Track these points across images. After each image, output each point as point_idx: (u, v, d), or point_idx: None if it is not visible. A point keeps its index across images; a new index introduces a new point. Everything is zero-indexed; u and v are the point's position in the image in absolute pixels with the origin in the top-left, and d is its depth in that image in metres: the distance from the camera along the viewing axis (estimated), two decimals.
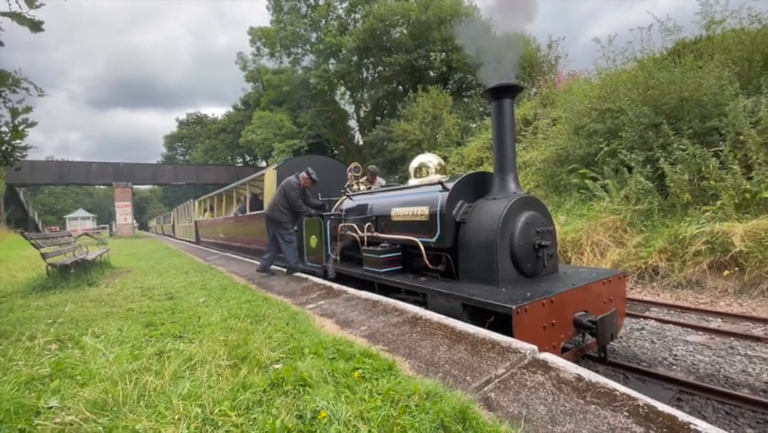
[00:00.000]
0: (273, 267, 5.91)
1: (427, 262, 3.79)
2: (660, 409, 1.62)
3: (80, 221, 41.37)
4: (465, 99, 22.10)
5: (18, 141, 3.35)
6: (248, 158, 41.78)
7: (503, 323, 2.71)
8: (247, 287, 4.79)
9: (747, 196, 5.71)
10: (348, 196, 5.57)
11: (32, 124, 3.34)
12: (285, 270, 5.77)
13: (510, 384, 1.91)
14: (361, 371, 2.04)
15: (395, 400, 1.72)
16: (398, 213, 4.26)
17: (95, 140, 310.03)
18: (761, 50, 7.19)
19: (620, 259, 6.39)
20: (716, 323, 4.49)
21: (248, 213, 8.67)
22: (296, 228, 5.80)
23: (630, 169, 7.26)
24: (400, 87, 23.99)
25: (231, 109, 43.13)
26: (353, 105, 29.14)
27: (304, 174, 5.62)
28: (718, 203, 5.89)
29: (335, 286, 4.38)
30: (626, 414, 1.60)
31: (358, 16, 25.83)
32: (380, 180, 6.57)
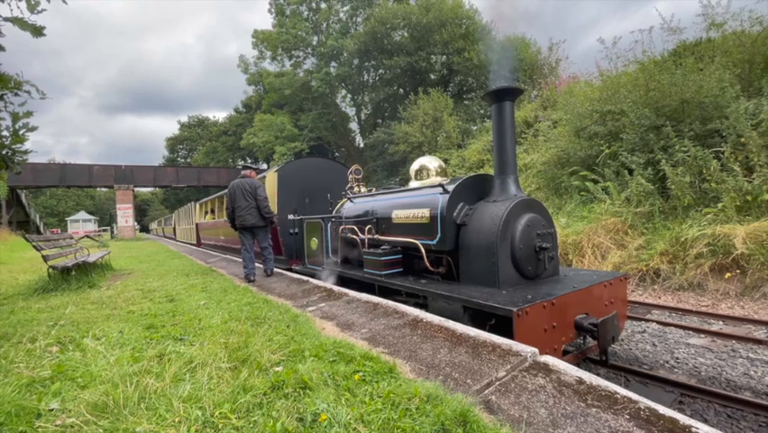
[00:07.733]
0: (276, 268, 5.91)
1: (428, 265, 3.79)
2: (661, 412, 1.61)
3: (82, 223, 41.43)
4: (466, 102, 22.14)
5: (19, 145, 3.35)
6: (249, 160, 41.86)
7: (504, 325, 2.71)
8: (248, 289, 4.78)
9: (749, 198, 5.70)
10: (349, 198, 5.57)
11: (33, 129, 3.34)
12: (249, 275, 5.28)
13: (511, 387, 1.90)
14: (361, 373, 2.04)
15: (395, 402, 1.71)
16: (399, 215, 4.26)
17: (102, 144, 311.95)
18: (762, 53, 7.20)
19: (621, 261, 6.38)
20: (717, 326, 4.48)
21: None
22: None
23: (631, 171, 7.26)
24: (401, 90, 24.05)
25: (232, 112, 43.34)
26: (354, 108, 29.26)
27: (252, 172, 5.47)
28: (720, 205, 5.89)
29: (336, 288, 4.38)
30: (627, 417, 1.59)
31: (359, 19, 25.95)
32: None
